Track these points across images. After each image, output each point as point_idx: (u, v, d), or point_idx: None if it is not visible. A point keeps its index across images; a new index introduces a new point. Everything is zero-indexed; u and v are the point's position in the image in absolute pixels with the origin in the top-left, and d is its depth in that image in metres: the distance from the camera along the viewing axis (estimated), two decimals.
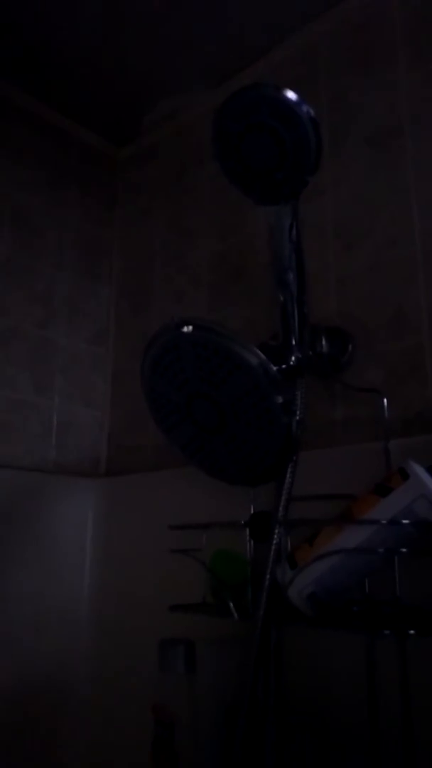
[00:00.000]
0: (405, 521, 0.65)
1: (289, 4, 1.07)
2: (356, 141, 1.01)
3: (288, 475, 0.75)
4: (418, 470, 0.67)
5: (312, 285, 0.92)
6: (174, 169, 1.34)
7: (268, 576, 0.72)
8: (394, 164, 0.95)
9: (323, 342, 0.91)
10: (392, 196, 0.94)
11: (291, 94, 0.61)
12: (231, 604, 0.76)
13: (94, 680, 1.11)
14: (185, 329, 0.68)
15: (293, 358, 0.74)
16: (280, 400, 0.67)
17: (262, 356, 0.66)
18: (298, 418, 0.74)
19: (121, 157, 1.47)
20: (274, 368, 0.67)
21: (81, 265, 1.35)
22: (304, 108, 0.61)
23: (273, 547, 0.72)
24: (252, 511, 0.87)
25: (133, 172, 1.44)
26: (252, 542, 0.85)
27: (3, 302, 1.20)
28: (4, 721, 1.01)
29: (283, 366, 0.74)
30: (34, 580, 1.09)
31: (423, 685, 0.70)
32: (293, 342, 0.75)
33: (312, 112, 0.62)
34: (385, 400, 0.84)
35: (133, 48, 1.19)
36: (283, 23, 1.12)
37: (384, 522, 0.65)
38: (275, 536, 0.73)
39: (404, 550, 0.66)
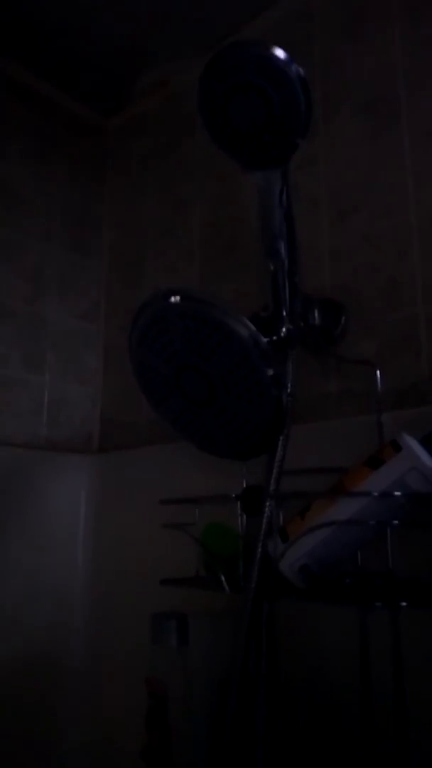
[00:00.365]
0: (397, 493, 0.64)
1: None
2: (350, 108, 0.98)
3: (279, 449, 0.74)
4: (411, 442, 0.66)
5: (304, 256, 0.90)
6: (164, 139, 1.31)
7: (259, 549, 0.71)
8: (388, 131, 0.92)
9: (316, 314, 0.89)
10: (387, 164, 0.92)
11: (279, 52, 0.58)
12: (222, 578, 0.75)
13: (87, 655, 1.12)
14: (173, 300, 0.66)
15: (284, 330, 0.73)
16: (270, 372, 0.66)
17: (252, 327, 0.65)
18: (289, 390, 0.72)
19: (110, 128, 1.44)
20: (265, 340, 0.65)
21: (70, 239, 1.32)
22: (293, 67, 0.58)
23: (264, 521, 0.72)
24: (244, 485, 0.87)
25: (122, 143, 1.41)
26: (244, 516, 0.84)
27: None
28: None
29: (274, 337, 0.73)
30: (28, 556, 1.09)
31: (415, 657, 0.70)
32: (284, 313, 0.73)
33: (301, 71, 0.59)
34: (378, 373, 0.83)
35: (121, 13, 1.15)
36: None
37: (376, 494, 0.65)
38: (267, 510, 0.72)
39: (396, 522, 0.66)
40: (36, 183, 1.28)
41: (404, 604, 0.64)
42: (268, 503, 0.72)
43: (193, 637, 0.79)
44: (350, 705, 0.74)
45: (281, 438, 0.73)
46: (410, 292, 0.85)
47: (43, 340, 1.23)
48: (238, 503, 0.84)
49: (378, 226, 0.91)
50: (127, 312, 1.27)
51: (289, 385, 0.73)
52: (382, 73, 0.94)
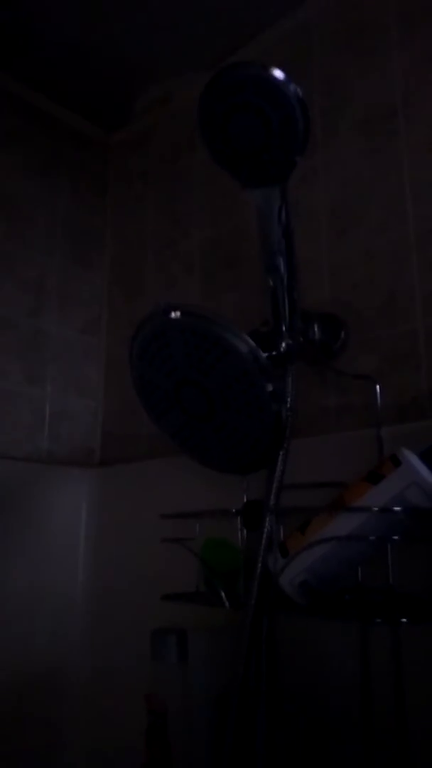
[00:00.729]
0: (397, 508, 0.64)
1: None
2: (349, 124, 0.99)
3: (279, 463, 0.74)
4: (410, 457, 0.66)
5: (304, 271, 0.91)
6: (166, 154, 1.32)
7: (259, 564, 0.71)
8: (386, 147, 0.93)
9: (315, 328, 0.89)
10: (385, 179, 0.92)
11: (277, 73, 0.59)
12: (222, 593, 0.75)
13: (87, 669, 1.11)
14: (173, 315, 0.67)
15: (283, 345, 0.73)
16: (269, 387, 0.66)
17: (252, 343, 0.65)
18: (288, 405, 0.73)
19: (113, 143, 1.45)
20: (264, 355, 0.66)
21: (72, 252, 1.33)
22: (291, 87, 0.59)
23: (264, 536, 0.72)
24: (245, 500, 0.87)
25: (124, 158, 1.42)
26: (244, 531, 0.84)
27: None
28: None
29: (273, 352, 0.73)
30: (28, 570, 1.09)
31: (416, 673, 0.70)
32: (283, 328, 0.74)
33: (299, 91, 0.60)
34: (377, 387, 0.83)
35: (123, 31, 1.17)
36: (275, 4, 1.09)
37: (375, 509, 0.65)
38: (266, 525, 0.72)
39: (396, 537, 0.66)
40: (39, 197, 1.29)
41: (404, 620, 0.64)
42: (267, 518, 0.72)
43: (193, 652, 0.79)
44: (351, 720, 0.74)
45: (281, 452, 0.74)
46: (409, 306, 0.86)
47: (44, 353, 1.24)
48: (239, 518, 0.84)
49: (377, 241, 0.91)
50: (129, 325, 1.28)
51: (288, 399, 0.74)
52: (381, 89, 0.96)
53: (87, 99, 1.36)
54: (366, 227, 0.93)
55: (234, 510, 0.83)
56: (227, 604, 0.75)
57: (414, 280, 0.86)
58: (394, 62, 0.95)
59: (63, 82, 1.31)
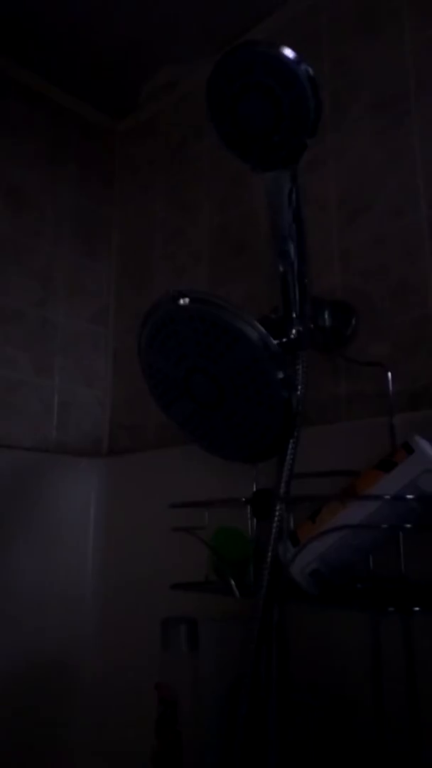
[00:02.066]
0: (409, 496, 0.63)
1: None
2: (359, 108, 0.97)
3: (289, 452, 0.73)
4: (424, 444, 0.65)
5: (314, 257, 0.90)
6: (173, 142, 1.31)
7: (270, 553, 0.70)
8: (398, 130, 0.91)
9: (326, 315, 0.88)
10: (397, 164, 0.91)
11: (287, 52, 0.58)
12: (233, 582, 0.75)
13: (97, 659, 1.11)
14: (182, 302, 0.66)
15: (294, 332, 0.72)
16: (280, 375, 0.65)
17: (262, 329, 0.64)
18: (299, 393, 0.72)
19: (119, 131, 1.44)
20: (275, 342, 0.65)
21: (79, 241, 1.32)
22: (302, 66, 0.58)
23: (275, 525, 0.71)
24: (254, 489, 0.86)
25: (131, 146, 1.41)
26: (254, 520, 0.83)
27: (0, 281, 1.18)
28: (9, 701, 1.01)
29: (284, 339, 0.72)
30: (37, 560, 1.09)
31: (428, 662, 0.69)
32: (294, 315, 0.73)
33: (311, 70, 0.59)
34: (389, 374, 0.82)
35: (129, 17, 1.15)
36: None
37: (388, 497, 0.64)
38: (277, 513, 0.72)
39: (408, 525, 0.65)
40: (46, 186, 1.28)
41: (417, 609, 0.63)
42: (278, 507, 0.72)
43: (203, 641, 0.78)
44: (362, 710, 0.73)
45: (291, 441, 0.73)
46: (421, 292, 0.84)
47: (52, 342, 1.23)
48: (248, 507, 0.83)
49: (388, 227, 0.90)
50: (137, 314, 1.26)
51: (299, 387, 0.73)
52: (392, 72, 0.94)
53: (93, 86, 1.34)
54: (377, 213, 0.92)
55: (244, 499, 0.82)
56: (237, 593, 0.74)
57: (426, 267, 0.85)
58: (406, 44, 0.93)
59: (69, 70, 1.29)
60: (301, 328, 0.72)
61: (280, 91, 0.58)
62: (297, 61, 0.58)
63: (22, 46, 1.23)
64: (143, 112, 1.39)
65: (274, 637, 0.72)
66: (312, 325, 0.82)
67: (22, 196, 1.24)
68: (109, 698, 1.08)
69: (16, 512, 1.08)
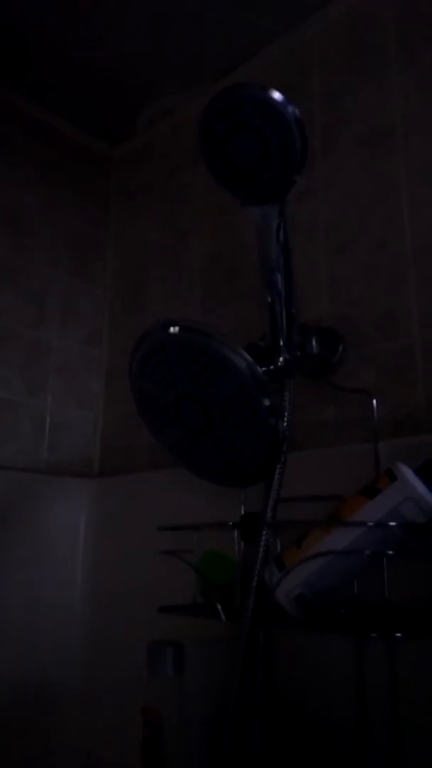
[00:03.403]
0: (392, 523, 0.64)
1: (281, 3, 1.07)
2: (348, 141, 1.00)
3: (276, 477, 0.74)
4: (406, 472, 0.66)
5: (302, 286, 0.92)
6: (168, 168, 1.34)
7: (256, 578, 0.71)
8: (385, 164, 0.94)
9: (314, 342, 0.90)
10: (384, 196, 0.94)
11: (276, 95, 0.60)
12: (219, 606, 0.76)
13: (85, 680, 1.11)
14: (172, 330, 0.67)
15: (281, 359, 0.74)
16: (267, 402, 0.67)
17: (249, 358, 0.66)
18: (285, 419, 0.73)
19: (115, 157, 1.47)
20: (261, 370, 0.67)
21: (75, 265, 1.35)
22: (290, 108, 0.61)
23: (261, 549, 0.72)
24: (242, 512, 0.87)
25: (127, 172, 1.44)
26: (242, 543, 0.84)
27: None
28: None
29: (271, 367, 0.74)
30: (26, 580, 1.09)
31: (411, 687, 0.70)
32: (281, 343, 0.75)
33: (297, 112, 0.61)
34: (375, 402, 0.84)
35: (126, 46, 1.19)
36: (275, 23, 1.11)
37: (371, 524, 0.65)
38: (263, 538, 0.73)
39: (391, 552, 0.66)
40: (42, 210, 1.31)
41: (399, 635, 0.64)
42: (264, 531, 0.73)
43: (189, 665, 0.79)
44: (346, 734, 0.74)
45: (278, 466, 0.74)
46: (406, 321, 0.87)
47: (45, 364, 1.25)
48: (236, 531, 0.84)
49: (374, 258, 0.93)
50: (130, 337, 1.28)
51: (286, 414, 0.74)
52: (379, 108, 0.97)
53: (90, 113, 1.37)
54: (364, 243, 0.94)
55: (231, 523, 0.83)
56: (224, 616, 0.75)
57: (411, 296, 0.87)
58: (393, 81, 0.96)
59: (66, 97, 1.33)
60: (288, 356, 0.74)
61: (269, 131, 0.61)
62: (285, 103, 0.61)
63: (21, 74, 1.26)
64: (139, 139, 1.42)
65: (259, 660, 0.73)
66: (300, 353, 0.84)
67: (18, 220, 1.26)
68: (94, 721, 1.08)
69: (5, 532, 1.08)
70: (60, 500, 1.17)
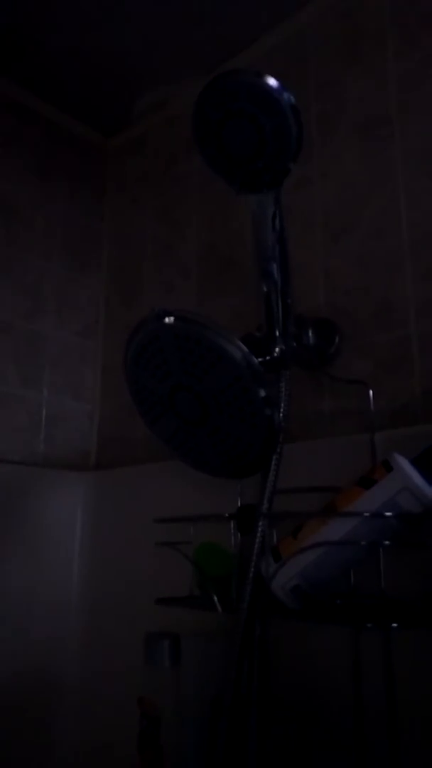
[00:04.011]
0: (388, 514, 0.64)
1: None
2: (345, 130, 1.00)
3: (272, 468, 0.74)
4: (402, 462, 0.66)
5: (298, 276, 0.91)
6: (163, 159, 1.33)
7: (252, 569, 0.71)
8: (382, 153, 0.94)
9: (310, 333, 0.90)
10: (380, 185, 0.93)
11: (271, 81, 0.59)
12: (215, 597, 0.75)
13: (82, 672, 1.11)
14: (167, 320, 0.67)
15: (277, 350, 0.74)
16: (262, 393, 0.67)
17: (245, 348, 0.66)
18: (281, 410, 0.73)
19: (110, 147, 1.46)
20: (257, 360, 0.66)
21: (69, 256, 1.34)
22: (285, 95, 0.60)
23: (257, 540, 0.72)
24: (239, 504, 0.87)
25: (122, 163, 1.43)
26: (238, 535, 0.84)
27: None
28: None
29: (267, 358, 0.73)
30: (23, 573, 1.09)
31: (407, 677, 0.70)
32: (277, 333, 0.74)
33: (293, 99, 0.60)
34: (371, 392, 0.83)
35: (121, 37, 1.18)
36: (271, 11, 1.10)
37: (367, 514, 0.65)
38: (259, 529, 0.72)
39: (387, 542, 0.66)
40: (36, 201, 1.30)
41: (395, 625, 0.64)
42: (260, 523, 0.73)
43: (186, 656, 0.79)
44: (343, 724, 0.74)
45: (274, 457, 0.74)
46: (403, 312, 0.86)
47: (41, 356, 1.24)
48: (232, 522, 0.84)
49: (371, 247, 0.92)
50: (125, 329, 1.27)
51: (282, 404, 0.74)
52: (376, 96, 0.96)
53: (85, 103, 1.36)
54: (360, 233, 0.94)
55: (227, 514, 0.83)
56: (220, 608, 0.75)
57: (408, 286, 0.87)
58: (390, 69, 0.95)
59: (61, 87, 1.31)
60: (284, 347, 0.74)
61: (264, 118, 0.60)
62: (280, 90, 0.60)
63: (16, 64, 1.25)
64: (134, 129, 1.41)
65: (256, 652, 0.73)
66: (296, 343, 0.84)
67: (12, 211, 1.25)
68: (91, 713, 1.08)
69: (2, 525, 1.08)
70: (56, 493, 1.17)
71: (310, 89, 1.05)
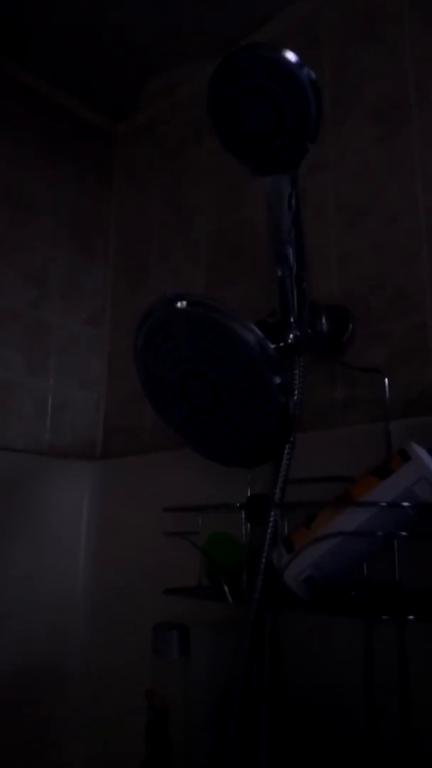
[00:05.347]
0: (405, 504, 0.63)
1: None
2: (360, 112, 0.97)
3: (285, 457, 0.73)
4: (420, 452, 0.65)
5: (312, 262, 0.89)
6: (172, 144, 1.30)
7: (263, 559, 0.70)
8: (398, 136, 0.91)
9: (323, 320, 0.88)
10: (396, 169, 0.91)
11: (290, 55, 0.57)
12: (226, 588, 0.74)
13: (89, 664, 1.10)
14: (179, 304, 0.65)
15: (291, 336, 0.72)
16: (277, 379, 0.65)
17: (260, 333, 0.64)
18: (295, 398, 0.71)
19: (118, 133, 1.44)
20: (272, 346, 0.64)
21: (76, 242, 1.32)
22: (304, 70, 0.58)
23: (269, 530, 0.71)
24: (249, 494, 0.86)
25: (130, 148, 1.41)
26: (248, 525, 0.83)
27: None
28: None
29: (281, 344, 0.72)
30: (29, 563, 1.08)
31: (421, 671, 0.69)
32: (291, 319, 0.73)
33: (312, 74, 0.58)
34: (386, 381, 0.82)
35: (129, 20, 1.15)
36: None
37: (384, 504, 0.63)
38: (271, 519, 0.71)
39: (404, 533, 0.65)
40: (43, 186, 1.28)
41: (411, 617, 0.62)
42: (272, 512, 0.71)
43: (195, 648, 0.78)
44: (354, 718, 0.73)
45: (287, 446, 0.73)
46: (419, 299, 0.84)
47: (47, 344, 1.22)
48: (242, 512, 0.83)
49: (387, 233, 0.90)
50: (133, 316, 1.25)
51: (296, 392, 0.72)
52: (392, 78, 0.94)
53: (93, 88, 1.34)
54: (376, 218, 0.92)
55: (238, 504, 0.82)
56: (230, 599, 0.74)
57: (424, 273, 0.85)
58: (406, 50, 0.93)
59: (69, 71, 1.29)
60: (298, 333, 0.72)
61: (282, 94, 0.58)
62: (299, 65, 0.58)
63: (22, 47, 1.22)
64: (142, 114, 1.39)
65: (266, 644, 0.72)
66: (309, 330, 0.82)
67: (19, 196, 1.23)
68: (98, 704, 1.07)
69: (7, 515, 1.07)
70: (62, 483, 1.16)
71: (324, 71, 1.03)
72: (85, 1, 1.11)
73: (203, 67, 1.23)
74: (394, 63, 0.94)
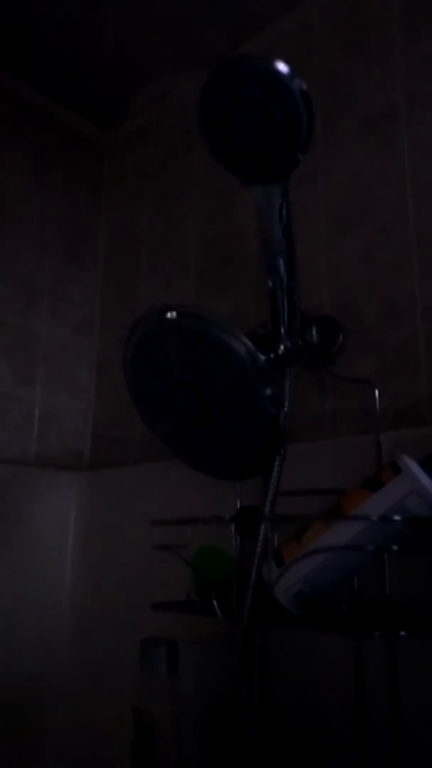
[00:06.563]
0: (396, 517, 0.62)
1: None
2: (350, 123, 0.97)
3: (275, 469, 0.72)
4: (411, 464, 0.64)
5: (303, 273, 0.89)
6: (162, 153, 1.30)
7: (253, 574, 0.69)
8: (388, 147, 0.92)
9: (313, 331, 0.88)
10: (386, 180, 0.91)
11: (281, 66, 0.57)
12: (215, 603, 0.73)
13: (74, 679, 1.08)
14: (169, 315, 0.64)
15: (282, 347, 0.72)
16: (268, 391, 0.64)
17: (250, 344, 0.63)
18: (286, 409, 0.71)
19: (108, 141, 1.43)
20: (263, 357, 0.64)
21: (65, 251, 1.31)
22: (296, 81, 0.58)
23: (259, 544, 0.70)
24: (239, 506, 0.85)
25: (119, 156, 1.40)
26: (238, 538, 0.82)
27: None
28: None
29: (272, 355, 0.71)
30: (15, 575, 1.06)
31: (412, 686, 0.68)
32: (282, 330, 0.72)
33: (304, 85, 0.58)
34: (376, 392, 0.81)
35: (120, 28, 1.15)
36: (275, 2, 1.08)
37: (374, 518, 0.63)
38: (261, 532, 0.70)
39: (395, 547, 0.64)
40: (32, 194, 1.27)
41: (403, 633, 0.62)
42: (263, 526, 0.70)
43: (183, 663, 0.76)
44: (346, 734, 0.72)
45: (277, 458, 0.72)
46: (409, 310, 0.84)
47: (34, 353, 1.21)
48: (232, 525, 0.82)
49: (376, 244, 0.90)
50: (122, 326, 1.26)
51: (286, 403, 0.72)
52: (382, 89, 0.94)
53: (82, 96, 1.33)
54: (366, 229, 0.92)
55: (228, 517, 0.81)
56: (220, 614, 0.72)
57: (414, 284, 0.85)
58: (397, 61, 0.93)
59: (58, 79, 1.28)
60: (289, 344, 0.72)
61: (273, 105, 0.58)
62: (290, 76, 0.58)
63: (12, 54, 1.22)
64: (132, 122, 1.38)
65: (256, 659, 0.71)
66: (299, 341, 0.81)
67: (7, 204, 1.22)
68: (84, 721, 1.05)
69: None
70: (49, 494, 1.14)
71: (315, 82, 1.03)
72: (75, 10, 1.11)
73: (194, 76, 1.23)
74: (383, 74, 0.94)
